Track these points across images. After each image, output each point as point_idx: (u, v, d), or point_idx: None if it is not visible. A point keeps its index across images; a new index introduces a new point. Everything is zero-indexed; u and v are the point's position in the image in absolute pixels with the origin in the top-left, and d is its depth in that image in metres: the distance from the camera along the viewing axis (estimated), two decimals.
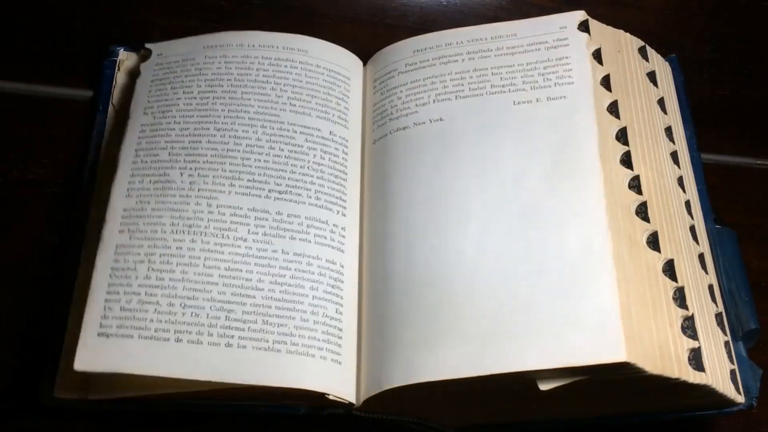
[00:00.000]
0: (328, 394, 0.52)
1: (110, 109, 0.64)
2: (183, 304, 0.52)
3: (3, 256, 0.60)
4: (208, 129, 0.59)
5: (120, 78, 0.65)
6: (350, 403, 0.53)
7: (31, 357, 0.56)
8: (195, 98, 0.60)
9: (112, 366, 0.50)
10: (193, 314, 0.52)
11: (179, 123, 0.59)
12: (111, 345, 0.51)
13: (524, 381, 0.50)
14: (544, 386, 0.49)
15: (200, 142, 0.58)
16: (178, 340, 0.51)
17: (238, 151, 0.58)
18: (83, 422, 0.55)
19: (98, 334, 0.51)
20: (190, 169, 0.57)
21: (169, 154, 0.58)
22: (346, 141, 0.61)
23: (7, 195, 0.63)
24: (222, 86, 0.61)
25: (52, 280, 0.58)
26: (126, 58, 0.66)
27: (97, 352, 0.50)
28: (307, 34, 0.64)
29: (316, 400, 0.52)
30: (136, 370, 0.50)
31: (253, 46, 0.63)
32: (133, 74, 0.64)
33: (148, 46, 0.64)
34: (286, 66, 0.62)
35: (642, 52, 0.62)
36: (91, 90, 0.67)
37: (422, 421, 0.55)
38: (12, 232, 0.61)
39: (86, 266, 0.58)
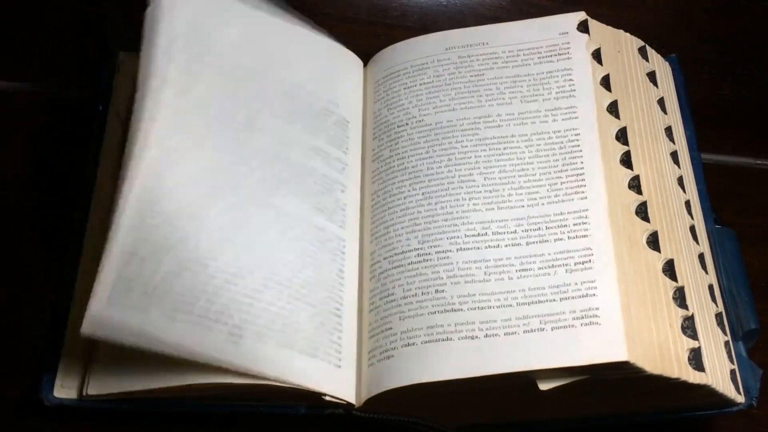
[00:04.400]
0: (325, 395, 0.52)
1: (110, 109, 0.64)
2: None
3: (3, 256, 0.60)
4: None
5: (120, 79, 0.65)
6: (350, 404, 0.53)
7: (31, 357, 0.56)
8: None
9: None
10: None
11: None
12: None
13: (524, 381, 0.50)
14: (544, 386, 0.49)
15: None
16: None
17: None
18: (83, 422, 0.55)
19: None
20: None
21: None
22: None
23: (7, 195, 0.63)
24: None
25: (52, 280, 0.58)
26: (126, 59, 0.66)
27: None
28: None
29: (316, 400, 0.52)
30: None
31: None
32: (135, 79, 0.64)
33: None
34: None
35: (642, 52, 0.62)
36: (91, 90, 0.67)
37: (422, 421, 0.55)
38: (11, 232, 0.61)
39: (87, 266, 0.58)
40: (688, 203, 0.58)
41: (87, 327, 0.48)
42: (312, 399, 0.52)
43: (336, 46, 0.64)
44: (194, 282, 0.51)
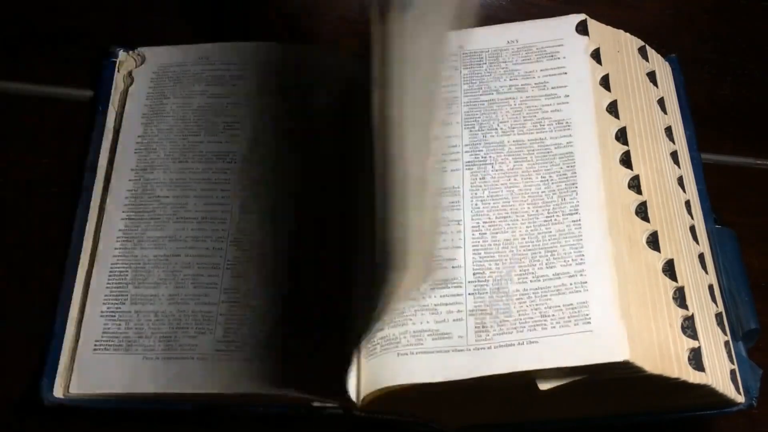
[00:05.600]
0: (315, 400, 0.52)
1: (110, 109, 0.64)
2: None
3: (3, 256, 0.60)
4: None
5: (119, 79, 0.65)
6: (350, 404, 0.53)
7: (31, 357, 0.56)
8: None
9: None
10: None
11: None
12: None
13: (524, 381, 0.50)
14: (544, 386, 0.49)
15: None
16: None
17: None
18: (83, 422, 0.55)
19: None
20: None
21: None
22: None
23: (7, 195, 0.63)
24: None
25: (52, 280, 0.58)
26: (126, 59, 0.66)
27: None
28: (308, 34, 0.64)
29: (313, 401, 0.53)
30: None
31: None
32: (128, 80, 0.64)
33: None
34: None
35: (642, 52, 0.62)
36: (91, 90, 0.67)
37: (422, 421, 0.55)
38: (12, 233, 0.61)
39: (86, 266, 0.58)
40: (688, 203, 0.58)
41: None
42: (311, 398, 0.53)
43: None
44: None
